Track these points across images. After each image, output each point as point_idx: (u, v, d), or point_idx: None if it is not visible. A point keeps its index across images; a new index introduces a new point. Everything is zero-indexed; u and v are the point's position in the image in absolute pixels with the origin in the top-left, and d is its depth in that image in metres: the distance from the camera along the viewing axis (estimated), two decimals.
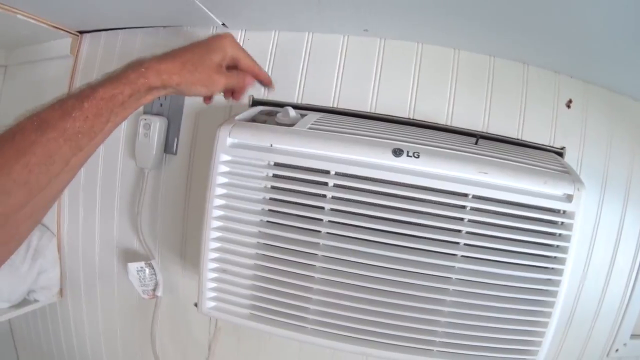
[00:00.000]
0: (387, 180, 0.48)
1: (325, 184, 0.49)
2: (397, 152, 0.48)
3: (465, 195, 0.48)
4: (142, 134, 0.62)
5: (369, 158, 0.48)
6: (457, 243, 0.49)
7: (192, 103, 0.62)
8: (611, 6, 0.43)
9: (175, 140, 0.62)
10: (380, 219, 0.49)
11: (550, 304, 0.52)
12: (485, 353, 0.53)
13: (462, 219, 0.49)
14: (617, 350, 0.66)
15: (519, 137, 0.57)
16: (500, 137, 0.56)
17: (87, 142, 0.36)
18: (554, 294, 0.52)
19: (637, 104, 0.62)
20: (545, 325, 0.53)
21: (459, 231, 0.49)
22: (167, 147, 0.62)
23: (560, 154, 0.57)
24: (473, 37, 0.55)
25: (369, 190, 0.49)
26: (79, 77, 0.70)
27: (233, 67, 0.49)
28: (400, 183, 0.48)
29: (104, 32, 0.70)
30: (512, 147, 0.55)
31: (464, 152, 0.50)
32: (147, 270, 0.62)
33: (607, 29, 0.49)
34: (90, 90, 0.36)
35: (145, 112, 0.64)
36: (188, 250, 0.62)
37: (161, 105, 0.62)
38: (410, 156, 0.48)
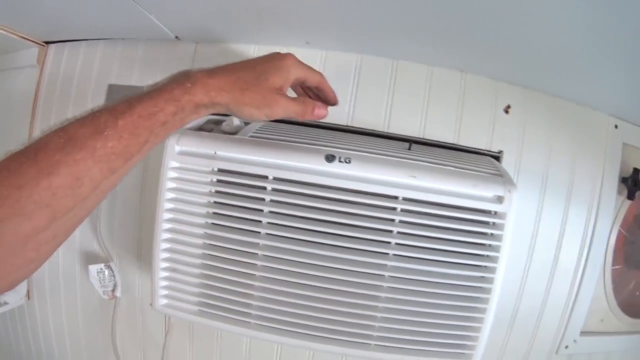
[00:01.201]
0: (321, 185, 0.55)
1: (264, 188, 0.56)
2: (330, 158, 0.55)
3: (395, 197, 0.55)
4: None
5: (303, 164, 0.55)
6: (389, 243, 0.56)
7: None
8: (550, 16, 0.49)
9: None
10: (316, 221, 0.56)
11: (485, 301, 0.58)
12: (422, 347, 0.60)
13: (392, 220, 0.56)
14: (566, 347, 0.72)
15: (456, 142, 0.63)
16: (436, 142, 0.63)
17: (121, 164, 0.34)
18: (487, 291, 0.58)
19: (580, 108, 0.69)
20: (480, 321, 0.59)
21: (390, 231, 0.56)
22: None
23: (497, 158, 0.64)
24: (412, 49, 0.61)
25: (304, 194, 0.56)
26: (44, 86, 0.78)
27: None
28: (333, 187, 0.55)
29: (68, 43, 0.77)
30: (446, 151, 0.62)
31: (395, 157, 0.56)
32: (106, 272, 0.70)
33: (547, 38, 0.54)
34: (127, 105, 0.34)
35: None
36: (143, 252, 0.69)
37: None
38: (342, 162, 0.55)
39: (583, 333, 0.73)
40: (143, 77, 0.69)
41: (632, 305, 0.79)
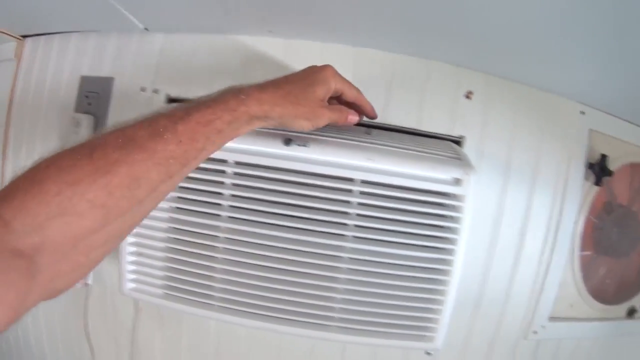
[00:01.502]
0: (279, 168, 0.57)
1: (224, 172, 0.59)
2: (287, 142, 0.57)
3: (352, 180, 0.57)
4: (72, 131, 0.72)
5: (262, 147, 0.57)
6: (346, 224, 0.58)
7: (116, 102, 0.72)
8: (512, 3, 0.50)
9: None
10: (275, 204, 0.58)
11: (445, 283, 0.60)
12: (382, 329, 0.62)
13: (349, 202, 0.58)
14: (535, 332, 0.74)
15: (417, 128, 0.65)
16: (397, 127, 0.65)
17: (178, 169, 0.35)
18: (447, 273, 0.60)
19: (544, 94, 0.71)
20: (441, 303, 0.61)
21: (348, 213, 0.58)
22: None
23: (459, 143, 0.66)
24: (374, 36, 0.64)
25: (264, 177, 0.58)
26: (21, 79, 0.81)
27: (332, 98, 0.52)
28: (291, 170, 0.57)
29: (43, 37, 0.81)
30: (407, 136, 0.64)
31: (352, 141, 0.58)
32: None
33: (509, 23, 0.55)
34: (184, 112, 0.35)
35: (76, 111, 0.74)
36: None
37: (89, 104, 0.73)
38: (300, 145, 0.57)
39: (552, 319, 0.75)
40: (114, 69, 0.72)
41: (603, 291, 0.81)
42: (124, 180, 0.31)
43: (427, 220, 0.59)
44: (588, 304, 0.78)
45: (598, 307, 0.79)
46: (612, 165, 0.76)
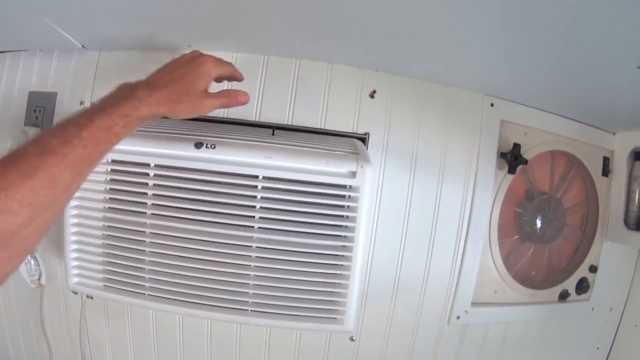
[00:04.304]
0: (193, 169, 0.74)
1: (147, 174, 0.75)
2: (198, 145, 0.73)
3: (256, 177, 0.73)
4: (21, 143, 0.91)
5: (177, 151, 0.73)
6: (253, 217, 0.74)
7: (59, 115, 0.90)
8: (409, 5, 0.60)
9: None
10: (192, 200, 0.75)
11: (348, 268, 0.75)
12: (294, 313, 0.77)
13: (255, 197, 0.73)
14: (458, 317, 0.88)
15: (322, 127, 0.81)
16: (304, 128, 0.80)
17: (86, 167, 0.47)
18: (349, 259, 0.75)
19: (451, 89, 0.85)
20: (346, 287, 0.76)
21: (254, 207, 0.74)
22: None
23: (363, 140, 0.81)
24: (280, 44, 0.80)
25: (180, 177, 0.74)
26: None
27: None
28: (203, 170, 0.74)
29: None
30: (312, 135, 0.79)
31: (256, 142, 0.74)
32: (32, 262, 0.90)
33: (410, 26, 0.67)
34: (87, 119, 0.47)
35: (26, 124, 0.93)
36: (62, 241, 0.90)
37: (37, 117, 0.91)
38: (209, 147, 0.73)
39: (475, 304, 0.88)
40: (57, 84, 0.90)
41: (531, 276, 0.94)
42: (44, 182, 0.42)
43: (330, 211, 0.74)
44: (514, 289, 0.91)
45: (526, 292, 0.92)
46: (530, 154, 0.89)
